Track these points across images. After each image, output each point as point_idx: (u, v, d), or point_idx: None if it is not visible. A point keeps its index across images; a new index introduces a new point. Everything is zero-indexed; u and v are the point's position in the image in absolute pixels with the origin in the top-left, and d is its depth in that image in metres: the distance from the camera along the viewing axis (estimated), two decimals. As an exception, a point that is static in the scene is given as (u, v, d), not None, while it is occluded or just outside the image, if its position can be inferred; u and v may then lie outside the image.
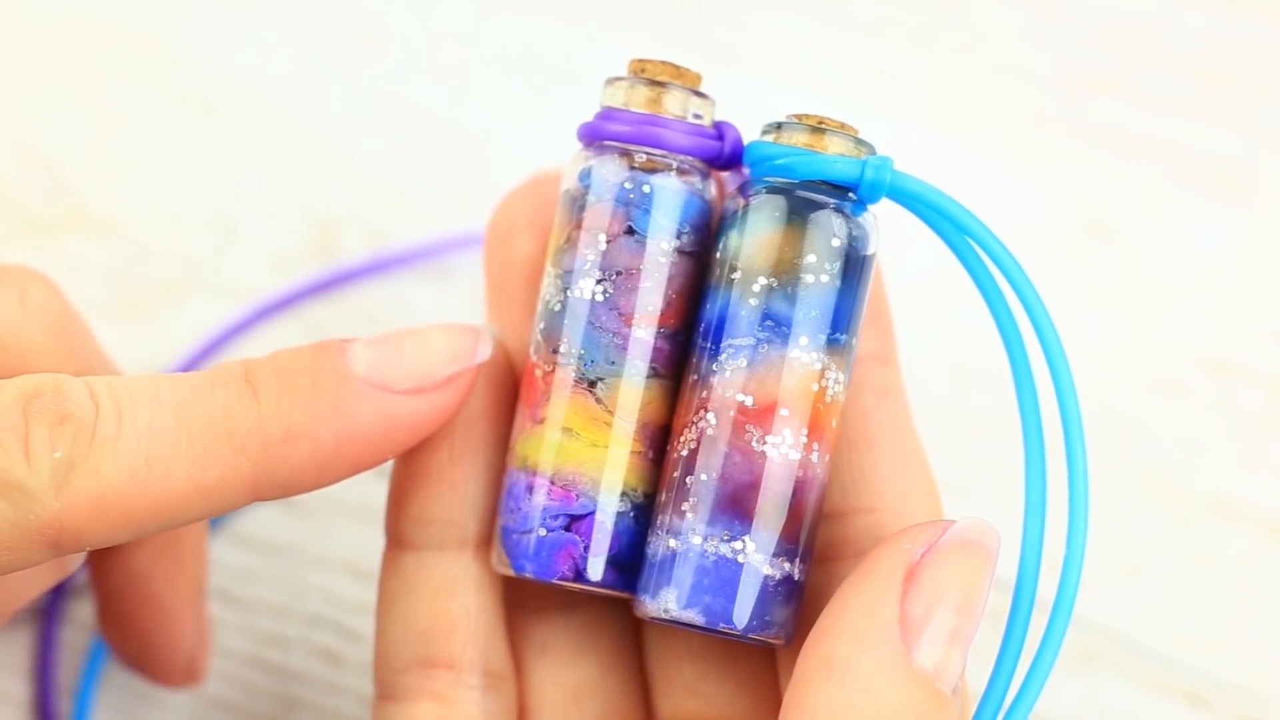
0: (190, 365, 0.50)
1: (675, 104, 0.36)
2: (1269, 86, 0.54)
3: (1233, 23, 0.55)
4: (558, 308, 0.36)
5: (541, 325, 0.36)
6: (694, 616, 0.35)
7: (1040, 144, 0.53)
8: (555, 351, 0.36)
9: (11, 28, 0.56)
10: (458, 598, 0.37)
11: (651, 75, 0.36)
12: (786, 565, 0.35)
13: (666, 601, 0.35)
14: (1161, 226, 0.52)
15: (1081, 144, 0.53)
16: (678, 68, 0.36)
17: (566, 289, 0.36)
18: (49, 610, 0.47)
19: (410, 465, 0.38)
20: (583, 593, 0.37)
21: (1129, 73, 0.54)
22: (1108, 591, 0.47)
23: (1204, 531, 0.48)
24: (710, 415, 0.35)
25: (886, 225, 0.37)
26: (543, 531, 0.36)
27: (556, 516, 0.36)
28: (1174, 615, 0.47)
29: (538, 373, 0.36)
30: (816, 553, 0.36)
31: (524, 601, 0.39)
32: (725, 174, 0.38)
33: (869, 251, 0.35)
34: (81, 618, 0.47)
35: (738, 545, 0.35)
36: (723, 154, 0.37)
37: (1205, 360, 0.50)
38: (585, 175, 0.36)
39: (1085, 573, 0.47)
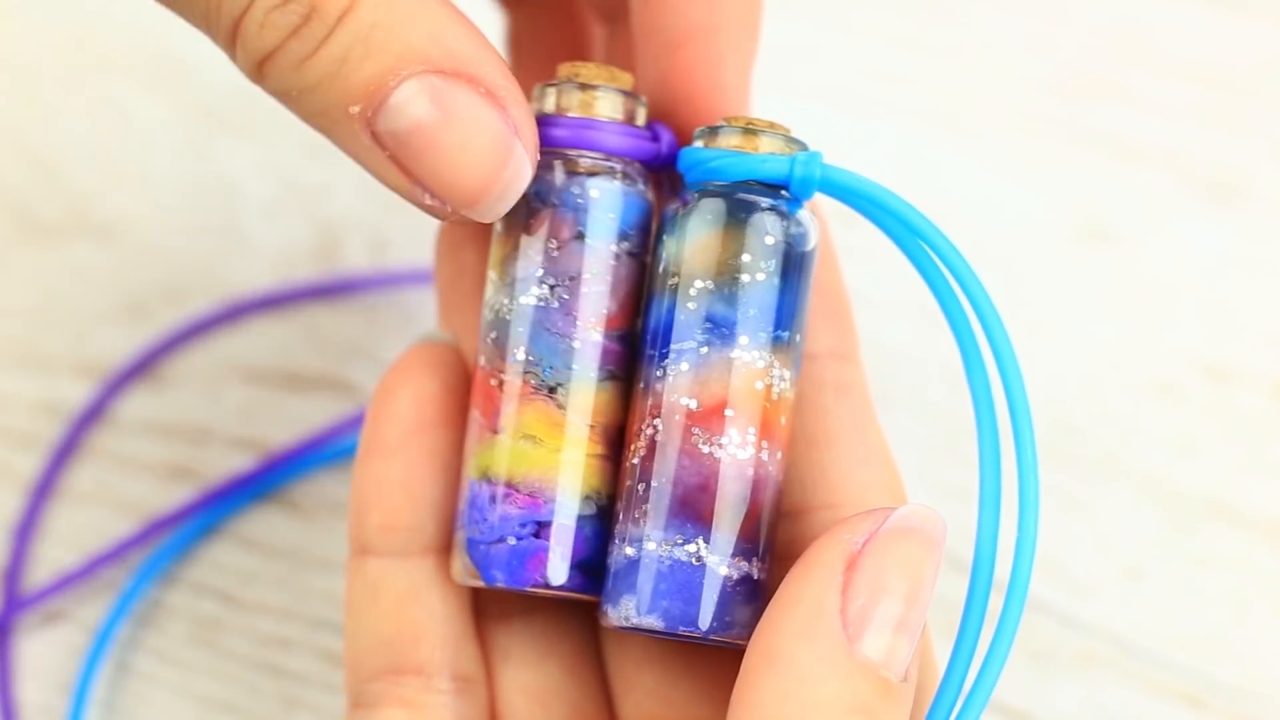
0: (161, 351, 0.50)
1: (608, 107, 0.36)
2: (1268, 92, 0.54)
3: (1231, 28, 0.55)
4: (509, 316, 0.36)
5: (493, 335, 0.36)
6: (654, 622, 0.35)
7: (1039, 149, 0.53)
8: (510, 360, 0.36)
9: (16, 32, 0.56)
10: (423, 603, 0.37)
11: (585, 79, 0.36)
12: (744, 565, 0.35)
13: (627, 609, 0.35)
14: (1160, 231, 0.52)
15: (1080, 149, 0.53)
16: (610, 70, 0.36)
17: (518, 296, 0.36)
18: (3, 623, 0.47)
19: (371, 473, 0.38)
20: (551, 597, 0.37)
21: (1128, 77, 0.54)
22: (1106, 593, 0.47)
23: (1202, 534, 0.48)
24: (657, 421, 0.35)
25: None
26: (512, 540, 0.36)
27: (525, 524, 0.36)
28: (1172, 617, 0.47)
29: (493, 382, 0.36)
30: (778, 550, 0.36)
31: (485, 608, 0.39)
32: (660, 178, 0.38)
33: (808, 248, 0.36)
34: (82, 618, 0.48)
35: (691, 548, 0.35)
36: (660, 155, 0.37)
37: (1203, 364, 0.50)
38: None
39: (1083, 575, 0.47)
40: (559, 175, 0.36)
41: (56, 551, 0.48)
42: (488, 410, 0.36)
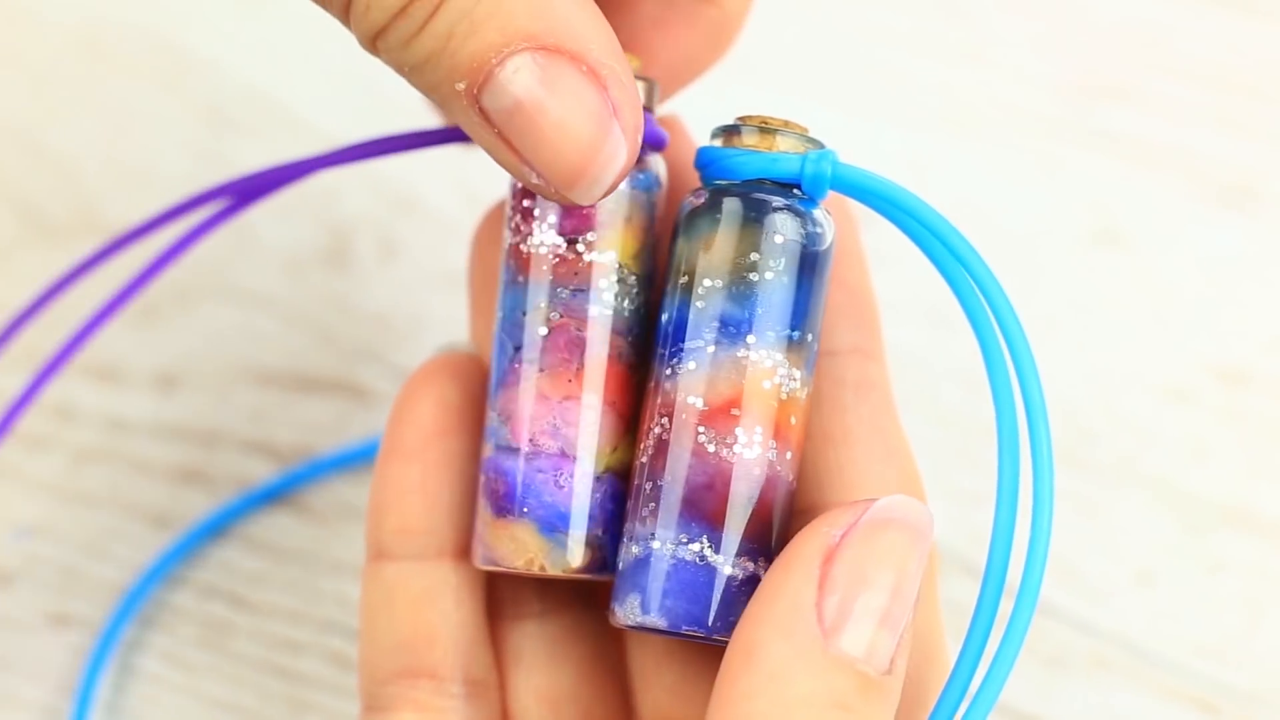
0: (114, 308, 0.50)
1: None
2: (1280, 95, 0.54)
3: (1244, 31, 0.55)
4: (642, 314, 0.37)
5: (639, 334, 0.37)
6: (657, 621, 0.34)
7: (1051, 151, 0.53)
8: (643, 357, 0.37)
9: (26, 33, 0.56)
10: (437, 607, 0.37)
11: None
12: (750, 565, 0.35)
13: (632, 607, 0.35)
14: (1173, 234, 0.52)
15: (1093, 151, 0.53)
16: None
17: (647, 298, 0.37)
18: None
19: (389, 477, 0.38)
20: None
21: (1140, 80, 0.54)
22: (1118, 598, 0.47)
23: (1215, 539, 0.48)
24: (664, 419, 0.35)
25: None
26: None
27: None
28: (1184, 623, 0.47)
29: (636, 379, 0.37)
30: None
31: (500, 609, 0.39)
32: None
33: (822, 247, 0.35)
34: (88, 619, 0.47)
35: (695, 547, 0.34)
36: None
37: (1216, 368, 0.50)
38: (657, 180, 0.37)
39: (1096, 580, 0.47)
40: (661, 172, 0.37)
41: (66, 553, 0.48)
42: (631, 406, 0.36)
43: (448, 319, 0.50)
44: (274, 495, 0.49)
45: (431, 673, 0.37)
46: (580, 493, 0.36)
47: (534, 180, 0.34)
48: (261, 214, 0.52)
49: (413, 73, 0.34)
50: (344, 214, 0.52)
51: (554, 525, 0.36)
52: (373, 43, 0.34)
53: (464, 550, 0.38)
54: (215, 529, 0.48)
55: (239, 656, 0.47)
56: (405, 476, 0.38)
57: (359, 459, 0.49)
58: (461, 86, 0.33)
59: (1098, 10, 0.55)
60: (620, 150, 0.34)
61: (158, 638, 0.47)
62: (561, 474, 0.36)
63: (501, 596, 0.39)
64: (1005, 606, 0.35)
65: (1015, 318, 0.34)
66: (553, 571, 0.36)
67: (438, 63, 0.33)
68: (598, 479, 0.36)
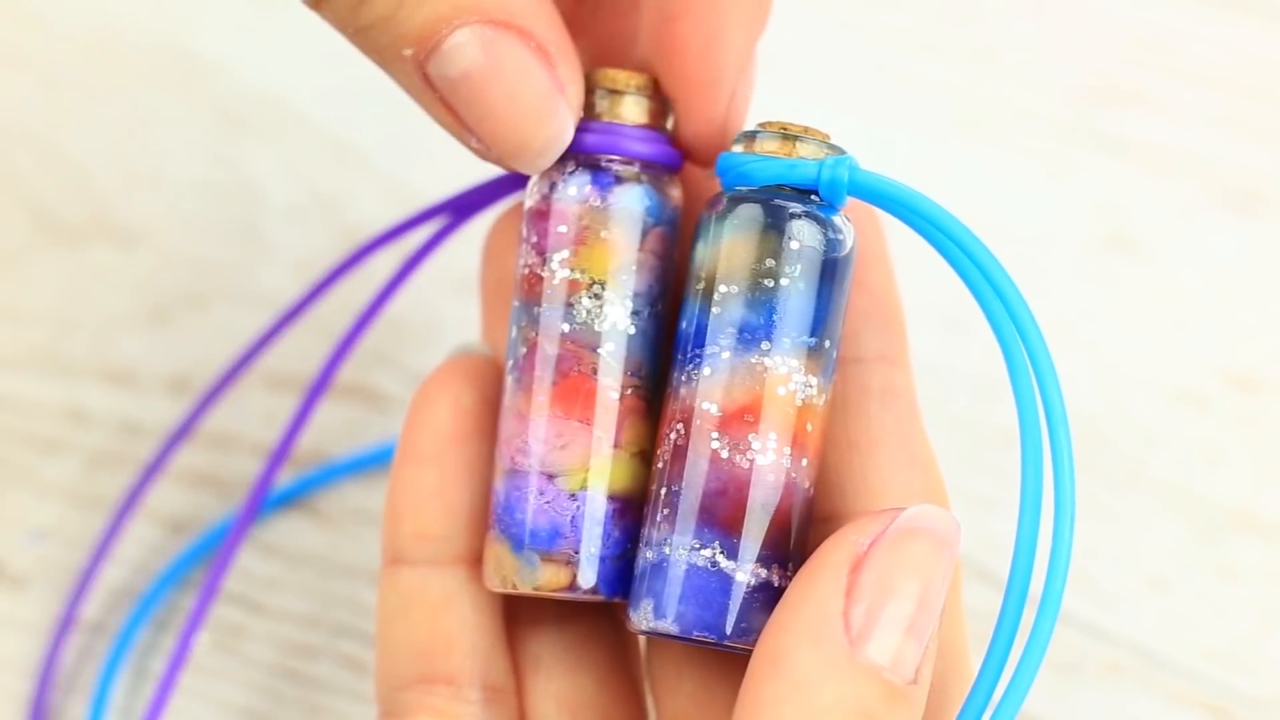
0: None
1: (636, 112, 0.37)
2: (1291, 100, 0.54)
3: (1256, 36, 0.55)
4: (630, 331, 0.36)
5: (609, 346, 0.36)
6: (669, 627, 0.34)
7: (1062, 156, 0.53)
8: (630, 375, 0.36)
9: (40, 36, 0.56)
10: (455, 612, 0.37)
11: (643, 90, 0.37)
12: (763, 571, 0.34)
13: (646, 613, 0.35)
14: (1183, 239, 0.52)
15: (1103, 156, 0.53)
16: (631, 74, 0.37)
17: (641, 311, 0.36)
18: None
19: (405, 482, 0.38)
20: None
21: (1151, 85, 0.54)
22: (1130, 604, 0.47)
23: (1226, 544, 0.48)
24: (679, 425, 0.35)
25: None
26: (627, 555, 0.36)
27: (634, 538, 0.36)
28: (1196, 628, 0.47)
29: (612, 394, 0.36)
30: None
31: (517, 614, 0.39)
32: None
33: (842, 253, 0.35)
34: (103, 623, 0.48)
35: (708, 553, 0.34)
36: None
37: (1228, 373, 0.50)
38: (650, 198, 0.36)
39: (1108, 585, 0.47)
40: (669, 191, 0.37)
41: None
42: (605, 424, 0.36)
43: (462, 323, 0.50)
44: (288, 500, 0.49)
45: (449, 679, 0.37)
46: None
47: (474, 145, 0.35)
48: (274, 217, 0.52)
49: (358, 34, 0.34)
50: (356, 217, 0.52)
51: None
52: (317, 2, 0.34)
53: (481, 556, 0.38)
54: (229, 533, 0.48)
55: (253, 660, 0.47)
56: (421, 481, 0.37)
57: (373, 463, 0.49)
58: (409, 53, 0.33)
59: (1108, 15, 0.55)
60: (567, 127, 0.35)
61: (171, 641, 0.47)
62: None
63: (519, 602, 0.39)
64: (1017, 613, 0.35)
65: (1035, 323, 0.34)
66: None
67: (385, 28, 0.33)
68: (607, 498, 0.36)
